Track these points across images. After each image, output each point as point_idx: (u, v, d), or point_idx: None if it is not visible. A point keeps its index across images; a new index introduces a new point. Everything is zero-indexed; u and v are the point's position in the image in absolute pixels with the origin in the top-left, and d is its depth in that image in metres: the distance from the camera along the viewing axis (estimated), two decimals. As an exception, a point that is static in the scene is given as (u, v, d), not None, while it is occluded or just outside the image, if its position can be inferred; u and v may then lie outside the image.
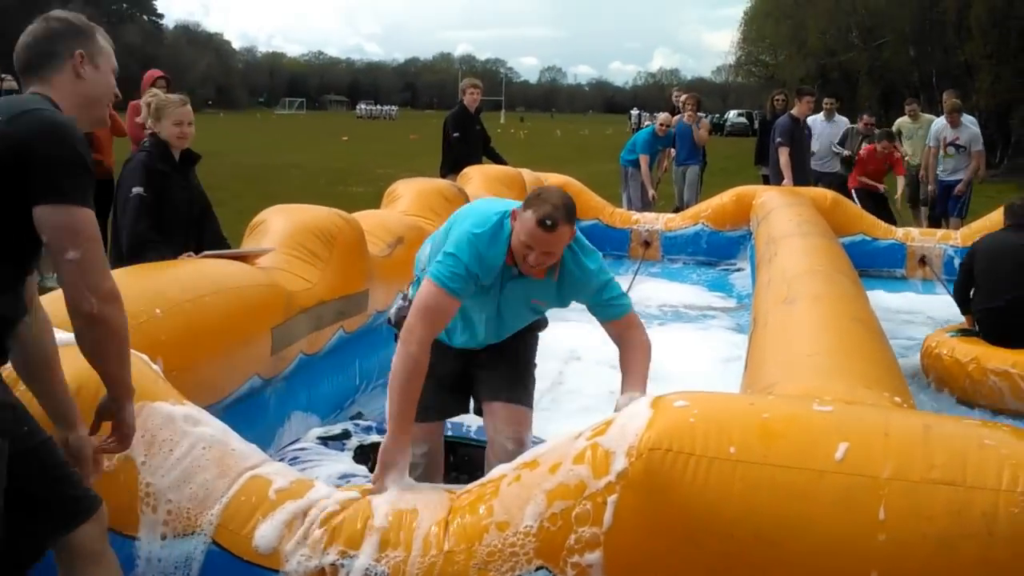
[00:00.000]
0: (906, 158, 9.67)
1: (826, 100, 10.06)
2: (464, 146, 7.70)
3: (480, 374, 2.79)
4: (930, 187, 9.20)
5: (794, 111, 8.55)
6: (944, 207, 9.15)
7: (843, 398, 2.38)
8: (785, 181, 8.14)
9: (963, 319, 4.87)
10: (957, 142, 8.81)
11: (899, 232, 7.77)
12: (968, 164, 8.86)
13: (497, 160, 8.02)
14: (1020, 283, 4.42)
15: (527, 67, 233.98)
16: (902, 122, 10.38)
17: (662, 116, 9.75)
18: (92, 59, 1.88)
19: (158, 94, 3.84)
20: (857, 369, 2.89)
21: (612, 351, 2.59)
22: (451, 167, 7.52)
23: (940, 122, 9.25)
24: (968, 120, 9.16)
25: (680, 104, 10.03)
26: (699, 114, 9.82)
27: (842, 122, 9.88)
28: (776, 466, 1.84)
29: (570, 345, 4.97)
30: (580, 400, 4.31)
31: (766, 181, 9.24)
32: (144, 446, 2.15)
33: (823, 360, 2.97)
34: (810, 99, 8.71)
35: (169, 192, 3.58)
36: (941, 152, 8.91)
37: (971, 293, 4.75)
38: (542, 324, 2.87)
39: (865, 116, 11.16)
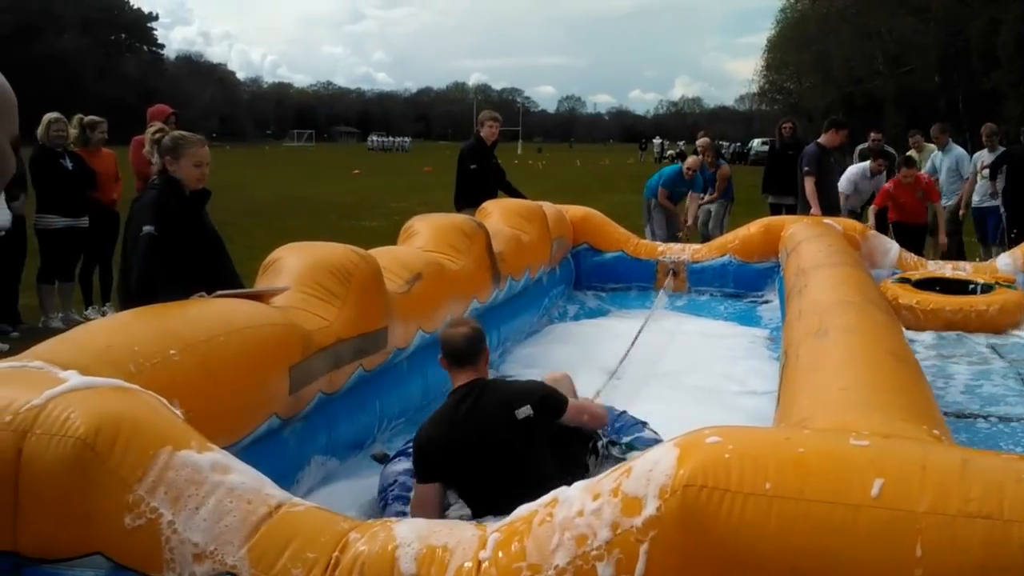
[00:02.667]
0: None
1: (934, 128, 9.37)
2: (480, 179, 7.60)
3: None
4: (961, 212, 9.04)
5: (822, 140, 8.43)
6: (983, 234, 8.99)
7: (880, 432, 2.29)
8: (813, 210, 8.02)
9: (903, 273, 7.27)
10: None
11: (930, 265, 7.53)
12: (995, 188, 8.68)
13: (514, 194, 7.89)
14: None
15: (544, 96, 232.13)
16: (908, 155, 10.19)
17: (690, 160, 9.73)
18: None
19: (164, 129, 3.77)
20: (892, 403, 2.79)
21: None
22: (467, 201, 7.38)
23: (977, 154, 9.18)
24: (959, 148, 9.20)
25: (700, 151, 10.05)
26: (719, 160, 9.89)
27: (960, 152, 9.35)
28: (812, 501, 1.80)
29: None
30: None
31: (774, 210, 9.05)
32: (170, 503, 2.09)
33: (857, 394, 2.86)
34: (843, 132, 8.56)
35: (181, 230, 3.52)
36: (978, 176, 8.78)
37: None
38: None
39: (872, 133, 10.35)
